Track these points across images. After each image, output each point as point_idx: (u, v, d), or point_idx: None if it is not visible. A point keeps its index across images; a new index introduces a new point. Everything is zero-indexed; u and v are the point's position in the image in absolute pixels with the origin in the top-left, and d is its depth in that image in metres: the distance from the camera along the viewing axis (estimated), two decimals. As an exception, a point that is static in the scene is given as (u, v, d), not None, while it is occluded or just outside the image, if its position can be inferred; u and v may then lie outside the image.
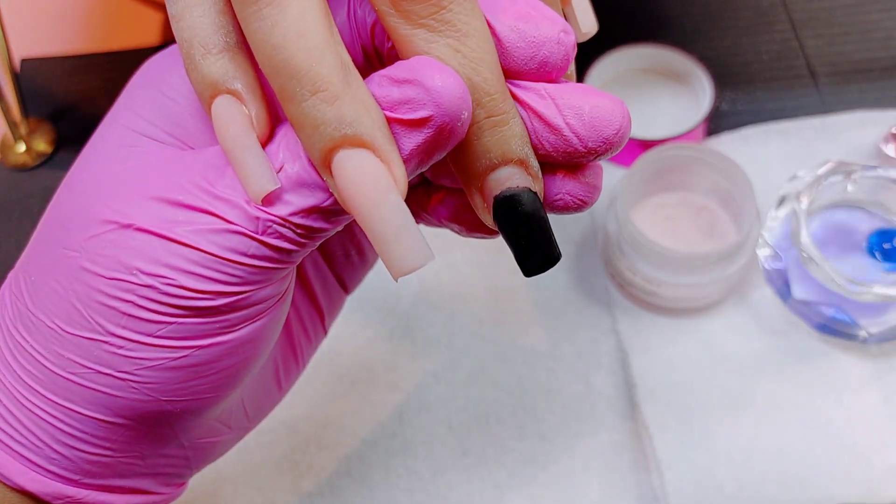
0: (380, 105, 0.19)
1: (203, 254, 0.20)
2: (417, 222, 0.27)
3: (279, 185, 0.20)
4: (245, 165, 0.20)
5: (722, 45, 0.52)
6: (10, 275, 0.23)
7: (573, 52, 0.21)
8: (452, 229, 0.26)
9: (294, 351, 0.28)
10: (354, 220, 0.20)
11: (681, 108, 0.47)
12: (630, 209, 0.43)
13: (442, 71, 0.19)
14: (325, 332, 0.30)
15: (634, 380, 0.41)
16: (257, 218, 0.20)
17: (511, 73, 0.21)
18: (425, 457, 0.40)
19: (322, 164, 0.19)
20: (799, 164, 0.46)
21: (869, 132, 0.47)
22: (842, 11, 0.53)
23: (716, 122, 0.48)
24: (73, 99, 0.53)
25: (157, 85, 0.22)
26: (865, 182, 0.42)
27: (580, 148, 0.21)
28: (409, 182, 0.20)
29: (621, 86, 0.48)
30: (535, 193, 0.21)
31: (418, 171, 0.20)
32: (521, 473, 0.40)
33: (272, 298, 0.22)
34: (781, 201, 0.43)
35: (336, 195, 0.19)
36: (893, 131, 0.46)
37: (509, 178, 0.20)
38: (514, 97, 0.21)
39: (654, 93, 0.48)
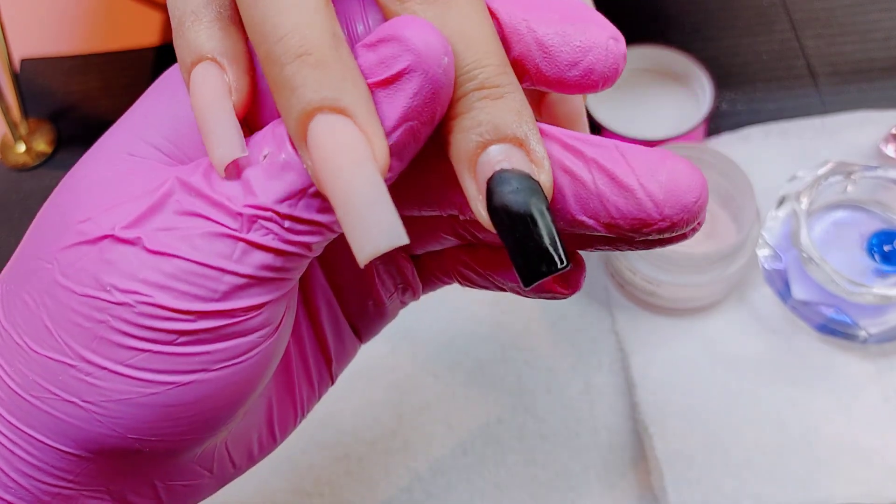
0: (364, 72, 0.18)
1: (181, 262, 0.18)
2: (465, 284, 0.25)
3: (246, 153, 0.18)
4: (213, 131, 0.18)
5: (722, 45, 0.52)
6: None
7: (623, 63, 0.19)
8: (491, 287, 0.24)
9: (293, 397, 0.25)
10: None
11: (681, 108, 0.47)
12: (630, 209, 0.43)
13: (416, 21, 0.17)
14: (332, 381, 0.27)
15: (634, 380, 0.41)
16: (240, 213, 0.18)
17: (552, 81, 0.19)
18: (425, 457, 0.40)
19: (298, 130, 0.17)
20: (799, 164, 0.46)
21: (869, 132, 0.47)
22: (842, 12, 0.53)
23: (716, 123, 0.49)
24: (73, 99, 0.53)
25: (167, 95, 0.21)
26: (865, 182, 0.42)
27: (655, 215, 0.18)
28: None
29: (621, 86, 0.48)
30: (537, 182, 0.18)
31: (412, 148, 0.18)
32: (521, 473, 0.40)
33: (264, 329, 0.19)
34: (781, 201, 0.43)
35: (308, 168, 0.18)
36: (893, 131, 0.46)
37: (504, 158, 0.18)
38: (578, 152, 0.18)
39: (654, 93, 0.48)
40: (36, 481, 0.20)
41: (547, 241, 0.18)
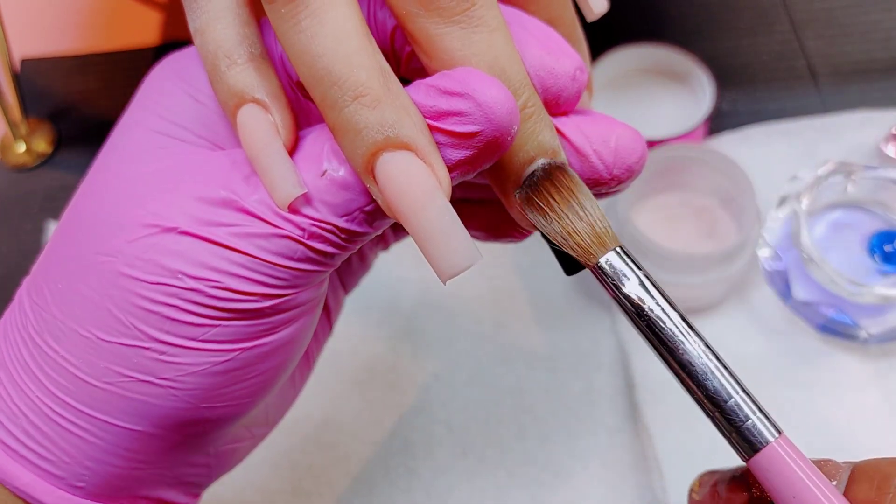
0: (426, 114, 0.19)
1: (249, 257, 0.20)
2: None
3: (305, 191, 0.19)
4: (271, 172, 0.20)
5: (722, 45, 0.52)
6: (27, 283, 0.23)
7: (584, 90, 0.22)
8: (478, 237, 0.26)
9: (307, 351, 0.28)
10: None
11: (681, 108, 0.47)
12: (630, 209, 0.43)
13: (493, 85, 0.19)
14: (331, 330, 0.30)
15: (634, 380, 0.41)
16: (304, 224, 0.20)
17: None
18: (425, 457, 0.40)
19: (365, 168, 0.19)
20: (799, 164, 0.46)
21: (869, 132, 0.47)
22: (842, 12, 0.53)
23: (716, 123, 0.48)
24: (73, 99, 0.53)
25: (182, 85, 0.22)
26: (865, 182, 0.42)
27: (605, 175, 0.21)
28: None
29: (621, 86, 0.48)
30: None
31: (462, 179, 0.20)
32: (521, 473, 0.40)
33: (311, 302, 0.22)
34: (782, 202, 0.43)
35: (379, 200, 0.19)
36: (893, 131, 0.46)
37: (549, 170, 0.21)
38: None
39: (655, 93, 0.48)
40: (108, 465, 0.21)
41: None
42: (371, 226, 0.20)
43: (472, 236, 0.26)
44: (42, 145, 0.51)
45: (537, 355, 0.43)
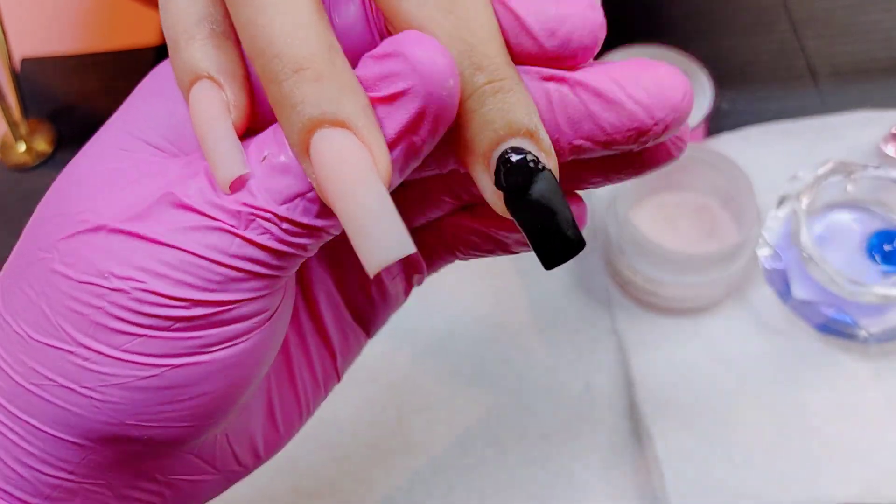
0: (364, 85, 0.18)
1: (179, 253, 0.18)
2: (437, 262, 0.26)
3: (248, 171, 0.18)
4: (215, 151, 0.18)
5: (722, 45, 0.52)
6: None
7: (602, 31, 0.19)
8: (474, 254, 0.24)
9: (295, 390, 0.25)
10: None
11: (681, 108, 0.47)
12: (630, 209, 0.43)
13: (423, 40, 0.17)
14: (339, 377, 0.27)
15: (634, 380, 0.41)
16: (239, 212, 0.18)
17: (528, 57, 0.19)
18: (425, 457, 0.40)
19: (300, 145, 0.18)
20: (799, 164, 0.46)
21: (869, 132, 0.47)
22: (842, 12, 0.53)
23: (716, 122, 0.48)
24: (73, 99, 0.53)
25: (161, 89, 0.21)
26: (865, 182, 0.42)
27: (648, 121, 0.18)
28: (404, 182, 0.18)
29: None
30: (550, 171, 0.18)
31: (412, 163, 0.19)
32: (521, 473, 0.40)
33: (259, 316, 0.20)
34: (782, 201, 0.43)
35: (312, 181, 0.18)
36: (893, 131, 0.46)
37: (520, 152, 0.18)
38: (560, 78, 0.18)
39: (655, 93, 0.48)
40: (37, 472, 0.20)
41: (565, 226, 0.19)
42: (316, 216, 0.18)
43: (473, 245, 0.24)
44: (42, 145, 0.51)
45: (537, 355, 0.43)
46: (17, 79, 0.50)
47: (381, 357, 0.43)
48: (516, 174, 0.18)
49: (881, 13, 0.52)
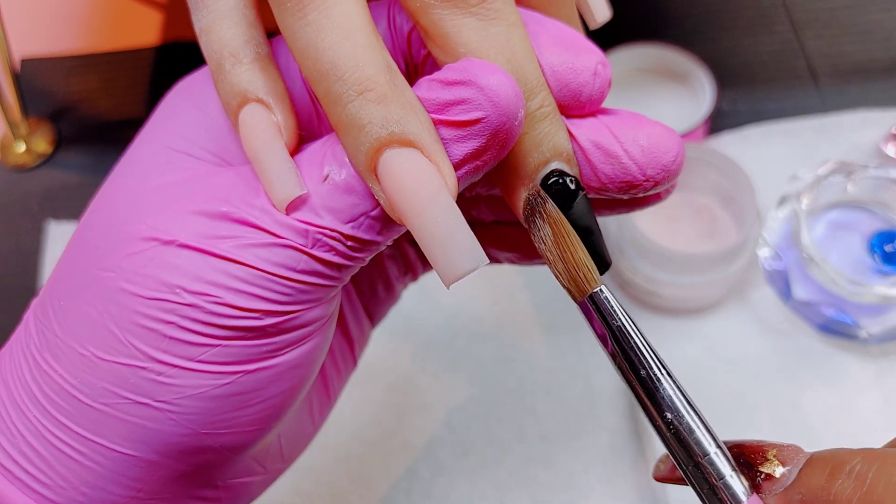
0: (430, 108, 0.18)
1: (250, 269, 0.19)
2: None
3: (305, 191, 0.19)
4: (270, 171, 0.19)
5: (722, 45, 0.52)
6: (35, 302, 0.22)
7: (608, 87, 0.20)
8: (509, 260, 0.25)
9: (326, 383, 0.26)
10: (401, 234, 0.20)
11: (681, 108, 0.47)
12: (630, 209, 0.43)
13: (495, 70, 0.18)
14: (355, 364, 0.28)
15: (634, 380, 0.41)
16: (306, 231, 0.19)
17: None
18: (425, 457, 0.40)
19: (367, 166, 0.18)
20: (799, 163, 0.46)
21: (869, 132, 0.47)
22: (842, 12, 0.53)
23: (716, 122, 0.48)
24: (73, 99, 0.53)
25: (196, 103, 0.22)
26: (866, 182, 0.42)
27: (639, 176, 0.20)
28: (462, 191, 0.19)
29: (621, 86, 0.48)
30: (585, 193, 0.20)
31: (472, 179, 0.19)
32: (521, 473, 0.40)
33: (320, 321, 0.21)
34: (782, 201, 0.42)
35: (381, 200, 0.18)
36: (893, 131, 0.46)
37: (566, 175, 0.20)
38: (568, 131, 0.20)
39: (655, 93, 0.48)
40: (106, 493, 0.20)
41: (601, 247, 0.20)
42: (378, 233, 0.19)
43: (504, 259, 0.26)
44: (42, 145, 0.51)
45: (537, 355, 0.43)
46: (17, 79, 0.50)
47: (381, 357, 0.43)
48: (562, 194, 0.20)
49: (881, 13, 0.52)
